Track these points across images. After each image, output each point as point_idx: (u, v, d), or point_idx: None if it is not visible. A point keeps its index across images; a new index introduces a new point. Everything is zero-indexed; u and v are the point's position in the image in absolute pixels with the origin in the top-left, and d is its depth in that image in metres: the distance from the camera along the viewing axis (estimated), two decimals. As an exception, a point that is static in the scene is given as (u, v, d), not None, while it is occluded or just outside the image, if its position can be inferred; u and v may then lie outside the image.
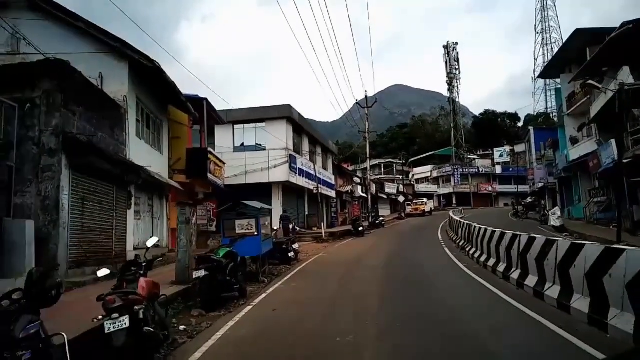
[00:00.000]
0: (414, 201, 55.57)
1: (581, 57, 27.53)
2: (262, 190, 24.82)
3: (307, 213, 28.98)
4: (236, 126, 25.34)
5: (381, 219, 35.44)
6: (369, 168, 34.49)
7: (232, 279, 8.48)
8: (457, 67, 76.52)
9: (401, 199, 51.37)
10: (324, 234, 23.40)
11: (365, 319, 6.60)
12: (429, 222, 39.75)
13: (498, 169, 74.89)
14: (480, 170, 74.10)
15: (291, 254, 14.99)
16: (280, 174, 24.04)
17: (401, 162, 77.85)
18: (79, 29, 12.70)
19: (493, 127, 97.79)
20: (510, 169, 76.06)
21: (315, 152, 30.61)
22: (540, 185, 40.66)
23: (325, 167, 33.14)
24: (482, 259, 12.14)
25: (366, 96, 33.83)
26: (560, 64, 32.09)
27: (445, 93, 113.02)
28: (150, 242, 5.92)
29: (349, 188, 39.12)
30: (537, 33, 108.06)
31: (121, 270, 5.46)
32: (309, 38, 22.76)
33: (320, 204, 32.34)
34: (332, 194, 33.78)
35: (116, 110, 12.01)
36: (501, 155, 77.19)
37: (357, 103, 33.59)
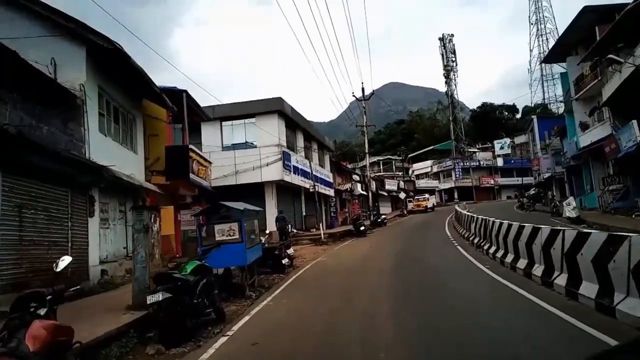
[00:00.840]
0: (416, 197, 53.85)
1: (589, 38, 25.84)
2: (255, 191, 23.03)
3: (304, 214, 27.18)
4: (224, 123, 23.52)
5: (383, 216, 33.70)
6: (368, 163, 32.70)
7: (204, 300, 6.68)
8: (453, 59, 74.85)
9: (402, 195, 49.63)
10: (322, 236, 21.61)
11: (378, 355, 4.81)
12: (433, 218, 37.98)
13: (499, 162, 73.17)
14: (482, 163, 72.40)
15: (285, 261, 13.18)
16: (273, 173, 22.23)
17: (400, 158, 76.19)
18: (31, 11, 10.89)
19: (491, 120, 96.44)
20: (512, 161, 74.35)
21: (311, 149, 28.80)
22: (547, 175, 38.91)
23: (322, 165, 31.33)
24: (508, 259, 10.37)
25: (362, 88, 32.05)
26: (566, 47, 30.35)
27: (441, 89, 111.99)
28: (61, 265, 4.09)
29: (348, 186, 37.32)
30: (532, 24, 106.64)
31: (11, 308, 3.65)
32: (305, 31, 20.88)
33: (318, 204, 30.51)
34: (331, 192, 31.99)
35: (70, 101, 10.17)
36: (502, 148, 75.44)
37: (353, 96, 31.82)
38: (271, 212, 22.75)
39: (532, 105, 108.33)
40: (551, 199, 40.48)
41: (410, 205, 52.80)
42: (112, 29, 11.55)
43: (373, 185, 41.03)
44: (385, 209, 53.00)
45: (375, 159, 72.00)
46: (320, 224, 22.33)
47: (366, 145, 31.70)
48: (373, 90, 31.67)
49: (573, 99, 29.83)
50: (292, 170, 23.54)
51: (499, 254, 11.21)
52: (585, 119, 29.13)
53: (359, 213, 33.82)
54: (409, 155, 77.67)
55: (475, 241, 15.32)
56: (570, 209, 23.38)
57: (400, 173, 70.43)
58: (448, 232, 22.05)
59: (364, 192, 40.62)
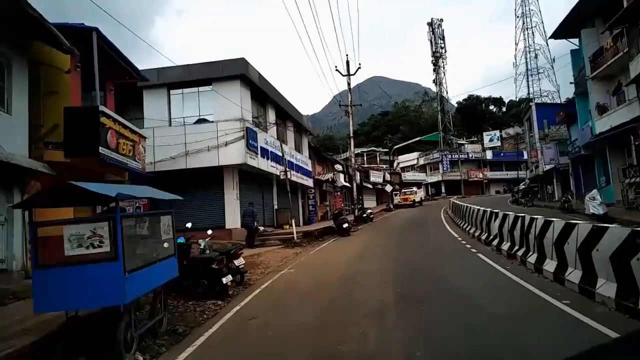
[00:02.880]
0: (403, 190, 49.75)
1: (608, 8, 22.10)
2: (211, 178, 18.29)
3: (276, 207, 22.52)
4: (173, 91, 18.63)
5: (369, 211, 29.33)
6: (352, 148, 28.14)
7: None
8: (442, 45, 70.84)
9: (389, 188, 45.42)
10: (295, 236, 17.03)
11: None
12: (424, 213, 33.81)
13: (489, 154, 69.78)
14: (470, 155, 68.82)
15: (228, 279, 8.57)
16: (234, 154, 17.49)
17: (385, 150, 72.10)
18: None
19: (478, 113, 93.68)
20: (502, 154, 71.19)
21: (285, 129, 24.10)
22: (549, 167, 35.10)
23: (299, 149, 26.67)
24: (572, 276, 6.08)
25: (347, 62, 27.46)
26: (578, 19, 26.38)
27: (424, 84, 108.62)
28: None
29: (329, 176, 32.80)
30: (517, 17, 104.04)
31: None
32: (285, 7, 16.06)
33: (294, 195, 25.91)
34: (309, 182, 27.41)
35: None
36: (491, 140, 72.15)
37: (337, 70, 27.21)
38: (231, 204, 18.07)
39: (517, 99, 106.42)
40: (558, 194, 36.98)
41: (396, 199, 48.72)
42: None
43: (357, 176, 36.61)
44: (370, 203, 48.76)
45: (359, 150, 67.66)
46: (293, 221, 17.70)
47: (351, 128, 27.12)
48: (360, 65, 27.06)
49: (588, 78, 25.89)
50: (259, 152, 18.84)
51: (574, 277, 6.81)
52: (603, 101, 25.30)
53: (341, 207, 29.40)
54: (395, 147, 73.63)
55: (504, 247, 10.98)
56: (595, 204, 19.42)
57: (384, 166, 66.25)
58: (451, 230, 17.75)
59: (348, 184, 36.21)
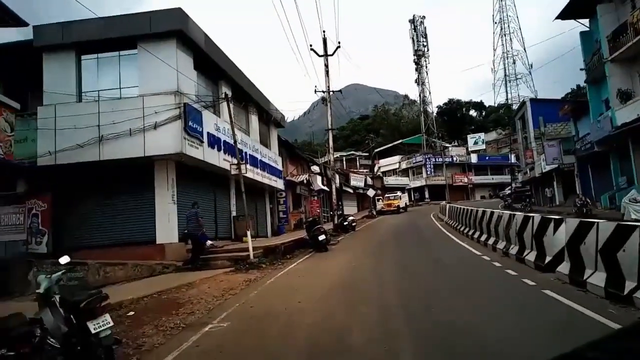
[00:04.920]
0: (386, 195, 45.43)
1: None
2: (136, 173, 13.30)
3: (234, 214, 17.57)
4: (85, 56, 13.58)
5: (350, 218, 24.72)
6: (331, 142, 23.33)
7: None
8: (425, 42, 67.35)
9: (371, 192, 40.97)
10: (251, 253, 12.14)
11: None
12: (414, 219, 29.43)
13: (474, 158, 66.41)
14: (455, 159, 65.25)
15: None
16: (167, 141, 12.54)
17: (365, 154, 67.96)
18: None
19: (458, 118, 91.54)
20: (487, 157, 68.02)
21: (248, 114, 19.24)
22: (551, 167, 31.28)
23: (266, 144, 21.85)
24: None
25: (324, 39, 22.89)
26: (591, -4, 22.74)
27: (402, 92, 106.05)
28: None
29: (304, 177, 28.06)
30: (495, 23, 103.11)
31: None
32: None
33: (257, 199, 21.08)
34: (279, 184, 22.58)
35: None
36: (476, 143, 68.96)
37: (312, 50, 22.61)
38: (164, 210, 13.07)
39: (496, 105, 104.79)
40: (559, 198, 33.18)
41: (379, 205, 44.35)
42: None
43: (337, 179, 31.99)
44: (351, 209, 44.25)
45: (338, 154, 63.27)
46: (249, 232, 12.75)
47: (329, 118, 22.45)
48: (339, 43, 22.57)
49: (606, 61, 22.09)
50: (204, 139, 13.93)
51: None
52: (626, 85, 21.53)
53: (318, 213, 24.68)
54: (376, 150, 69.61)
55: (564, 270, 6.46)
56: (638, 208, 15.32)
57: (365, 171, 61.88)
58: (460, 242, 13.20)
59: (326, 187, 31.55)
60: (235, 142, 13.22)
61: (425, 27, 67.40)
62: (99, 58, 13.56)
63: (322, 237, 14.33)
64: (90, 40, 13.29)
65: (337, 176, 32.25)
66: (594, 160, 26.10)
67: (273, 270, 11.61)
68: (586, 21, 25.47)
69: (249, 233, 12.61)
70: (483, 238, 12.55)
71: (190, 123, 12.94)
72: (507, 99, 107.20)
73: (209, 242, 12.85)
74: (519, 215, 9.79)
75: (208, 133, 14.36)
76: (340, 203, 36.39)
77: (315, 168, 32.94)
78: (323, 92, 22.38)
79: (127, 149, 12.60)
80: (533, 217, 8.97)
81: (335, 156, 47.57)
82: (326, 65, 22.54)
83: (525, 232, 9.14)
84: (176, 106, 12.67)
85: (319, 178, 32.02)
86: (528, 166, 39.20)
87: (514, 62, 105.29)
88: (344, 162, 67.73)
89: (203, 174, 15.27)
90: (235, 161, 14.37)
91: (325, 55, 22.70)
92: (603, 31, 22.38)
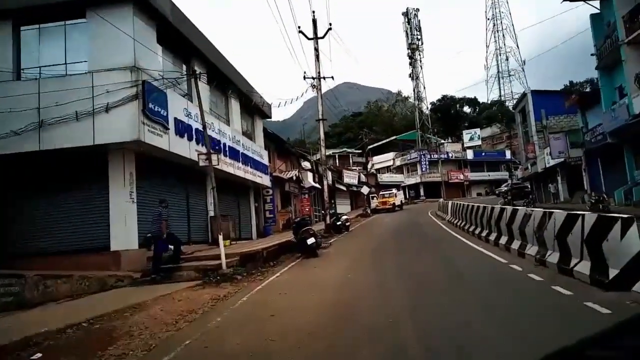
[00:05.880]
0: (381, 193, 43.38)
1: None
2: (86, 166, 11.07)
3: (211, 214, 15.34)
4: (24, 27, 11.31)
5: (344, 217, 22.62)
6: (322, 134, 21.09)
7: None
8: (419, 36, 65.39)
9: (365, 190, 38.95)
10: (224, 263, 9.96)
11: None
12: (412, 218, 27.44)
13: (469, 154, 64.64)
14: (450, 155, 63.44)
15: None
16: (122, 126, 10.32)
17: (359, 151, 65.94)
18: None
19: (452, 114, 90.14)
20: (483, 153, 66.32)
21: (229, 100, 17.04)
22: (556, 162, 29.43)
23: (249, 136, 19.66)
24: None
25: (314, 20, 20.72)
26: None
27: (395, 90, 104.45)
28: None
29: (293, 174, 25.90)
30: (488, 19, 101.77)
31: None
32: None
33: (240, 196, 18.94)
34: (265, 180, 20.40)
35: None
36: (471, 139, 67.24)
37: (300, 31, 20.43)
38: (120, 210, 10.84)
39: (489, 102, 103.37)
40: (563, 194, 31.38)
41: (373, 203, 42.31)
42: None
43: (329, 175, 29.89)
44: (344, 207, 42.18)
45: (331, 151, 61.15)
46: (220, 236, 10.53)
47: (319, 107, 20.26)
48: (330, 25, 20.40)
49: (622, 43, 20.23)
50: (170, 126, 11.72)
51: None
52: (645, 70, 19.67)
53: (308, 212, 22.59)
54: (370, 147, 67.58)
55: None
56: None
57: (358, 168, 59.80)
58: (480, 248, 11.14)
59: (317, 185, 29.43)
60: (204, 126, 10.99)
61: (419, 20, 65.51)
62: (40, 29, 11.29)
63: (311, 241, 12.19)
64: (31, 7, 11.03)
65: (329, 172, 30.14)
66: (604, 153, 24.27)
67: (250, 282, 9.45)
68: (596, 2, 23.64)
69: (220, 237, 10.41)
70: (503, 241, 10.51)
71: (150, 105, 10.73)
72: (500, 96, 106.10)
73: (170, 248, 10.65)
74: (559, 213, 7.75)
75: (176, 119, 12.15)
76: (332, 201, 34.30)
77: (306, 164, 30.83)
78: (313, 78, 20.19)
79: (73, 137, 10.37)
80: (583, 216, 6.93)
81: (328, 153, 45.48)
82: (316, 49, 20.38)
83: (570, 236, 7.09)
84: (133, 84, 10.45)
85: (310, 174, 29.90)
86: (529, 161, 37.39)
87: (507, 59, 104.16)
88: (337, 160, 65.70)
89: (172, 167, 13.07)
90: (205, 151, 12.14)
91: (315, 38, 20.54)
92: (618, 10, 20.54)
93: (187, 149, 12.68)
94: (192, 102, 13.49)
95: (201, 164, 10.63)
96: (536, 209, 8.94)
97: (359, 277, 8.83)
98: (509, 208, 10.67)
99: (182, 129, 12.50)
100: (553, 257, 7.61)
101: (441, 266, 9.36)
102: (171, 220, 12.03)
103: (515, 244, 9.58)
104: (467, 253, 10.83)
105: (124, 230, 10.77)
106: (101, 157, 10.85)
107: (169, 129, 11.64)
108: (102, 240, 10.75)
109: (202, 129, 11.88)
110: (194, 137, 13.02)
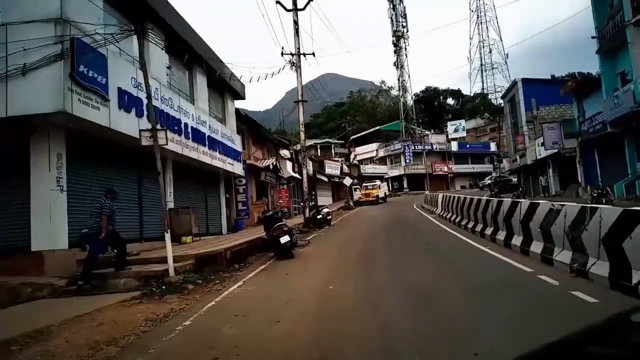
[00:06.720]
0: (364, 184, 41.60)
1: None
2: (0, 146, 8.77)
3: (171, 206, 13.16)
4: None
5: (326, 210, 20.68)
6: (302, 116, 18.89)
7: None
8: (404, 23, 63.52)
9: (348, 181, 37.13)
10: (171, 269, 7.87)
11: None
12: (398, 211, 25.75)
13: (454, 146, 63.48)
14: (435, 147, 62.11)
15: None
16: (42, 93, 8.10)
17: (341, 142, 64.07)
18: None
19: (436, 106, 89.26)
20: (468, 145, 65.29)
21: (193, 74, 14.80)
22: (549, 152, 28.08)
23: (219, 118, 17.45)
24: None
25: (294, -10, 18.51)
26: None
27: (377, 82, 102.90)
28: None
29: (270, 162, 23.77)
30: (472, 11, 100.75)
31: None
32: None
33: (209, 186, 16.80)
34: (237, 168, 18.25)
35: None
36: (456, 130, 66.02)
37: (278, 2, 18.23)
38: (45, 201, 8.60)
39: (472, 95, 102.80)
40: (555, 187, 30.12)
41: (356, 195, 40.53)
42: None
43: (310, 165, 27.85)
44: (325, 199, 40.29)
45: (312, 141, 59.05)
46: (167, 234, 8.42)
47: (299, 88, 18.16)
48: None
49: (628, 24, 18.69)
50: (112, 96, 9.48)
51: None
52: (652, 54, 18.21)
53: (285, 205, 20.63)
54: (352, 137, 65.69)
55: None
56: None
57: (341, 159, 57.86)
58: (486, 249, 9.33)
59: (297, 175, 27.41)
60: (149, 95, 8.74)
61: (404, 7, 63.58)
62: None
63: (285, 239, 10.18)
64: None
65: (309, 161, 28.10)
66: (601, 144, 22.91)
67: (204, 294, 7.42)
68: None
69: (167, 236, 8.31)
70: (517, 241, 8.69)
71: (82, 68, 8.47)
72: (482, 89, 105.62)
73: (109, 250, 8.52)
74: (571, 207, 5.98)
75: (120, 89, 9.91)
76: (313, 193, 32.34)
77: (285, 152, 28.71)
78: (292, 54, 18.03)
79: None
80: (600, 210, 5.17)
81: (309, 143, 43.32)
82: (295, 22, 18.19)
83: (585, 233, 5.32)
84: (57, 40, 8.17)
85: (289, 164, 27.83)
86: (518, 152, 36.09)
87: (490, 51, 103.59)
88: (319, 150, 63.70)
89: (120, 150, 10.84)
90: (177, 137, 9.98)
91: (295, 9, 18.36)
92: (624, -11, 18.99)
93: (136, 128, 10.43)
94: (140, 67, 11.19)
95: (144, 142, 8.43)
96: (561, 203, 7.14)
97: (342, 289, 6.88)
98: (524, 202, 8.87)
99: (129, 103, 10.27)
100: (564, 256, 5.84)
101: (443, 273, 7.50)
102: (120, 213, 9.90)
103: (535, 246, 7.77)
104: (470, 253, 9.03)
105: (49, 226, 8.55)
106: (20, 135, 8.57)
107: (109, 100, 9.40)
108: (20, 239, 8.52)
109: (156, 105, 9.66)
110: (146, 112, 10.79)
